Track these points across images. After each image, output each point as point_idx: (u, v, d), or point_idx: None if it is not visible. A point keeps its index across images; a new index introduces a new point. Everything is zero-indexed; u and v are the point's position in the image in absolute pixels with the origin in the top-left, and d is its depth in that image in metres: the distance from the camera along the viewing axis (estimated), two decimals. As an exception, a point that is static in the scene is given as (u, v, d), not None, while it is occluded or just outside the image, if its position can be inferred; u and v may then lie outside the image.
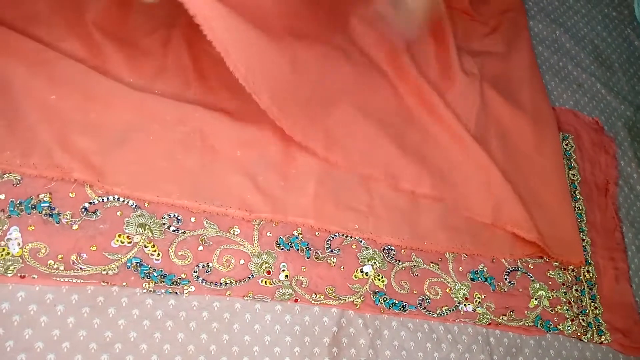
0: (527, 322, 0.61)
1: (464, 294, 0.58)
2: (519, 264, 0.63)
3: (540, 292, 0.62)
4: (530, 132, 0.72)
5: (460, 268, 0.59)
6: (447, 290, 0.57)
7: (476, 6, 0.80)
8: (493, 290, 0.60)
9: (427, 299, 0.56)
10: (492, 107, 0.72)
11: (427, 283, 0.57)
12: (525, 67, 0.79)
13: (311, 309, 0.51)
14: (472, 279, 0.59)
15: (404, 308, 0.54)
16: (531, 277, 0.63)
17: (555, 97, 0.82)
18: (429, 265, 0.58)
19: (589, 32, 0.93)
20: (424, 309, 0.55)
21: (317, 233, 0.54)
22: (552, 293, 0.63)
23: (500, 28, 0.81)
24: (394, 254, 0.56)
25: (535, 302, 0.62)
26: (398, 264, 0.56)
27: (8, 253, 0.42)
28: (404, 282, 0.55)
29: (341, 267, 0.53)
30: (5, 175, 0.44)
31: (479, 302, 0.58)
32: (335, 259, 0.53)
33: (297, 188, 0.53)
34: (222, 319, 0.47)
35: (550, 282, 0.64)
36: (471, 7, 0.80)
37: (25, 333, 0.41)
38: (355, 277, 0.53)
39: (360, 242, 0.55)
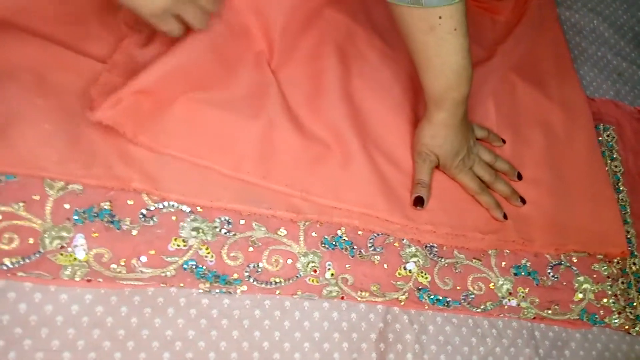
0: (573, 316, 0.61)
1: (507, 289, 0.58)
2: (562, 257, 0.63)
3: (585, 286, 0.62)
4: (561, 123, 0.72)
5: (503, 263, 0.60)
6: (491, 285, 0.58)
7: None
8: (537, 284, 0.60)
9: (470, 294, 0.57)
10: (520, 97, 0.72)
11: (471, 279, 0.57)
12: (551, 57, 0.78)
13: (357, 306, 0.53)
14: (516, 274, 0.59)
15: (448, 304, 0.55)
16: (575, 270, 0.63)
17: (594, 88, 0.81)
18: (472, 261, 0.58)
19: (629, 19, 0.91)
20: (467, 304, 0.56)
21: (360, 232, 0.55)
22: (598, 286, 0.63)
23: (523, 19, 0.80)
24: (436, 251, 0.57)
25: (580, 296, 0.61)
26: (441, 260, 0.57)
27: (75, 259, 0.45)
28: (447, 279, 0.56)
29: (385, 265, 0.54)
30: (69, 186, 0.47)
31: (523, 296, 0.59)
32: (378, 257, 0.54)
33: None
34: (273, 316, 0.49)
35: (595, 275, 0.64)
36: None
37: (94, 333, 0.44)
38: (399, 275, 0.54)
39: (403, 240, 0.56)
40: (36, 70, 0.49)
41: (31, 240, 0.44)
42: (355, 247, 0.54)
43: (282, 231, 0.52)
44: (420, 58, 0.53)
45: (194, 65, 0.53)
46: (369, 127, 0.61)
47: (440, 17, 0.49)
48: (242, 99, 0.56)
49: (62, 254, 0.44)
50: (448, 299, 0.55)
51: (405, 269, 0.55)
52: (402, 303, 0.54)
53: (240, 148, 0.53)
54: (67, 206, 0.46)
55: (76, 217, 0.46)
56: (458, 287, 0.56)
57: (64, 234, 0.45)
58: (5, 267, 0.43)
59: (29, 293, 0.43)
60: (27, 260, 0.43)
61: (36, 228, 0.44)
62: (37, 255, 0.44)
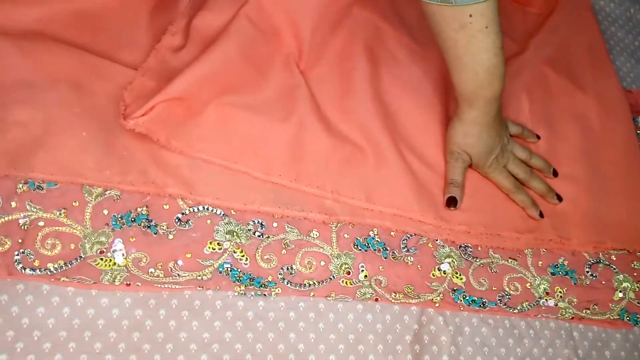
0: (612, 315, 0.59)
1: (544, 289, 0.57)
2: (600, 255, 0.62)
3: (625, 284, 0.60)
4: (596, 116, 0.70)
5: (540, 263, 0.58)
6: (527, 285, 0.57)
7: None
8: (575, 283, 0.59)
9: (507, 294, 0.56)
10: (554, 90, 0.70)
11: (506, 279, 0.56)
12: (585, 48, 0.76)
13: (391, 307, 0.52)
14: (553, 273, 0.58)
15: (484, 305, 0.55)
16: (614, 268, 0.61)
17: (632, 79, 0.78)
18: (508, 261, 0.57)
19: (667, 6, 0.87)
20: (504, 305, 0.55)
21: (392, 233, 0.55)
22: (638, 284, 0.61)
23: (555, 10, 0.78)
24: (471, 251, 0.56)
25: (620, 295, 0.60)
26: (476, 261, 0.56)
27: (114, 263, 0.46)
28: (483, 279, 0.56)
29: (418, 266, 0.54)
30: (107, 192, 0.48)
31: (561, 296, 0.57)
32: (412, 258, 0.54)
33: None
34: (308, 318, 0.50)
35: (635, 274, 0.62)
36: None
37: (134, 336, 0.45)
38: (433, 276, 0.54)
39: (436, 240, 0.56)
40: (73, 79, 0.50)
41: (72, 246, 0.45)
42: (388, 248, 0.54)
43: (315, 233, 0.52)
44: (451, 56, 0.52)
45: (226, 69, 0.54)
46: (399, 127, 0.60)
47: (470, 15, 0.48)
48: (273, 102, 0.56)
49: (101, 259, 0.45)
50: (484, 300, 0.55)
51: (439, 269, 0.54)
52: (437, 304, 0.53)
53: (271, 150, 0.53)
54: (105, 212, 0.47)
55: (114, 223, 0.47)
56: (494, 288, 0.56)
57: (103, 239, 0.46)
58: (49, 272, 0.44)
59: (71, 297, 0.44)
60: (69, 266, 0.45)
61: (77, 234, 0.46)
62: (78, 261, 0.45)
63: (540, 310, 0.57)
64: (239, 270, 0.49)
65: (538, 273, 0.58)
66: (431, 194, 0.57)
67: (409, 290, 0.53)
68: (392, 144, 0.58)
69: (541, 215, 0.60)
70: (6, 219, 0.44)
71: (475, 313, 0.55)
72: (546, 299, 0.57)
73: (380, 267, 0.52)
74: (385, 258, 0.53)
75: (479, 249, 0.57)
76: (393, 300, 0.52)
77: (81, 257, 0.45)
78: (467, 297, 0.54)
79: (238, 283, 0.48)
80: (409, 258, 0.54)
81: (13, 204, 0.45)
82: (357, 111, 0.59)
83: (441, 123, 0.62)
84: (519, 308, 0.56)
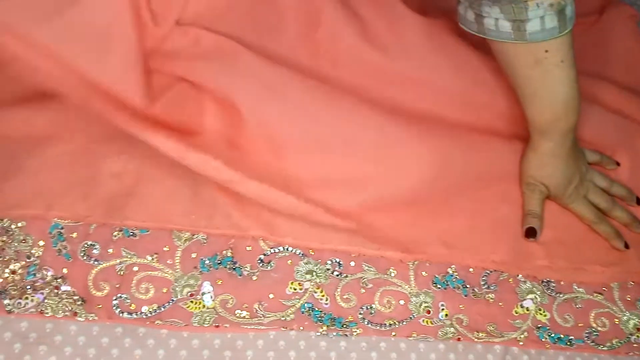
0: None
1: (634, 324, 0.54)
2: (694, 287, 0.58)
3: None
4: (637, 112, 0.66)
5: (628, 297, 0.56)
6: (615, 321, 0.54)
7: None
8: (668, 318, 0.56)
9: (594, 331, 0.53)
10: (633, 113, 0.67)
11: (593, 314, 0.54)
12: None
13: (474, 346, 0.51)
14: (643, 308, 0.55)
15: (570, 342, 0.53)
16: None
17: None
18: (593, 295, 0.55)
19: None
20: (592, 342, 0.53)
21: (471, 269, 0.54)
22: None
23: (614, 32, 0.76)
24: (553, 286, 0.55)
25: None
26: (559, 296, 0.54)
27: (204, 306, 0.48)
28: (568, 315, 0.54)
29: (500, 304, 0.53)
30: (194, 236, 0.50)
31: (654, 332, 0.54)
32: (493, 295, 0.53)
33: None
34: (390, 359, 0.50)
35: None
36: None
37: (224, 376, 0.46)
38: (516, 313, 0.53)
39: (517, 276, 0.54)
40: None
41: (164, 290, 0.48)
42: (467, 285, 0.53)
43: (392, 271, 0.52)
44: (524, 91, 0.52)
45: None
46: None
47: (546, 51, 0.47)
48: None
49: (192, 301, 0.48)
50: (570, 337, 0.53)
51: (522, 306, 0.53)
52: (521, 343, 0.52)
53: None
54: (193, 255, 0.50)
55: (202, 266, 0.49)
56: (580, 324, 0.54)
57: (192, 282, 0.48)
58: (144, 316, 0.47)
59: (165, 339, 0.47)
60: (162, 309, 0.47)
61: (168, 277, 0.48)
62: (170, 304, 0.47)
63: (632, 348, 0.54)
64: (320, 310, 0.50)
65: (627, 308, 0.55)
66: (509, 227, 0.56)
67: (492, 329, 0.52)
68: None
69: (626, 246, 0.57)
70: (104, 265, 0.48)
71: (561, 351, 0.53)
72: (637, 336, 0.54)
73: (461, 306, 0.52)
74: (465, 296, 0.52)
75: (562, 283, 0.55)
76: (476, 339, 0.51)
77: (173, 300, 0.47)
78: (553, 335, 0.52)
79: (320, 323, 0.49)
80: (489, 295, 0.53)
81: (110, 250, 0.48)
82: None
83: (513, 153, 0.61)
84: (608, 345, 0.53)
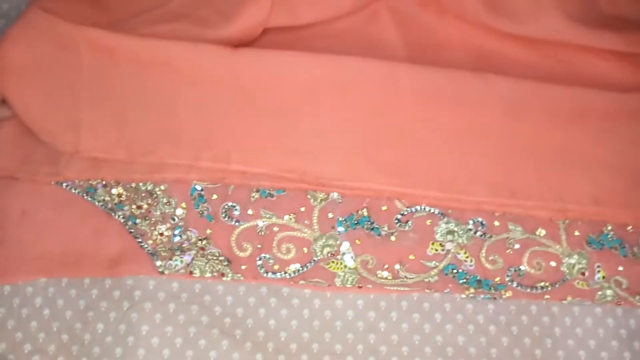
0: None
1: None
2: None
3: None
4: None
5: None
6: None
7: None
8: None
9: None
10: None
11: None
12: None
13: (635, 311, 0.47)
14: None
15: None
16: None
17: None
18: None
19: None
20: None
21: (629, 228, 0.49)
22: None
23: None
24: None
25: None
26: None
27: (345, 266, 0.47)
28: None
29: (664, 264, 0.48)
30: (329, 196, 0.49)
31: None
32: (656, 255, 0.48)
33: None
34: (542, 322, 0.47)
35: None
36: None
37: (370, 338, 0.45)
38: (685, 275, 0.48)
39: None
40: None
41: (305, 250, 0.47)
42: (625, 245, 0.48)
43: (541, 231, 0.48)
44: None
45: None
46: None
47: None
48: None
49: (333, 262, 0.47)
50: None
51: (691, 268, 0.48)
52: (691, 308, 0.47)
53: None
54: (330, 215, 0.48)
55: (340, 226, 0.48)
56: None
57: (332, 242, 0.47)
58: (288, 276, 0.46)
59: (309, 299, 0.47)
60: (305, 269, 0.47)
61: (307, 237, 0.47)
62: (312, 264, 0.47)
63: None
64: (465, 272, 0.47)
65: None
66: None
67: (657, 293, 0.47)
68: None
69: None
70: (246, 225, 0.48)
71: None
72: None
73: (619, 268, 0.47)
74: (624, 257, 0.48)
75: None
76: (638, 304, 0.47)
77: (314, 260, 0.47)
78: None
79: (466, 286, 0.47)
80: (652, 256, 0.48)
81: (250, 211, 0.48)
82: None
83: None
84: None
